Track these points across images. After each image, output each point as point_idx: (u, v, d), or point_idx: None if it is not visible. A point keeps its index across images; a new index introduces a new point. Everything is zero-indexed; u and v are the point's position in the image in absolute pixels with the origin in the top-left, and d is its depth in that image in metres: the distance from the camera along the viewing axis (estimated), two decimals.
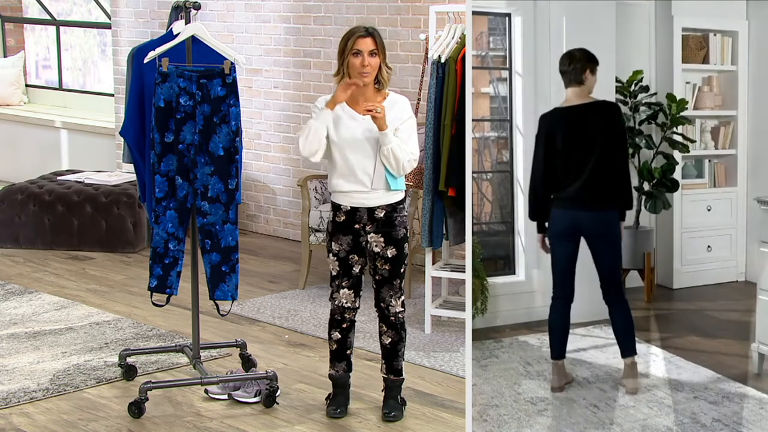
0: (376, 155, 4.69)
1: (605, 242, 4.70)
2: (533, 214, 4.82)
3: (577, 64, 4.64)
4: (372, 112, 4.59)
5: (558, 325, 4.75)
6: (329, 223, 4.85)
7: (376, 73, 4.68)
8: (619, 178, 4.69)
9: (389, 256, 4.76)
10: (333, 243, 4.81)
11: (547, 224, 4.80)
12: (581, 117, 4.66)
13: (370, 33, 4.66)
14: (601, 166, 4.65)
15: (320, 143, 4.65)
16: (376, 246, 4.76)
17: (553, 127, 4.70)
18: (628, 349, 4.69)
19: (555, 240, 4.76)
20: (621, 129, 4.70)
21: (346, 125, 4.68)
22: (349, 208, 4.76)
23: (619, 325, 4.70)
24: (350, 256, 4.80)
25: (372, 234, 4.75)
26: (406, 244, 4.80)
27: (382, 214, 4.74)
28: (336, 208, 4.80)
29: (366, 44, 4.63)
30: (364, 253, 4.80)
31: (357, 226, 4.76)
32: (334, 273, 4.84)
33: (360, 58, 4.63)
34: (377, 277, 4.80)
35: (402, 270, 4.81)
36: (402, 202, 4.80)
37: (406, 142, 4.70)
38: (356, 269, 4.82)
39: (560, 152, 4.66)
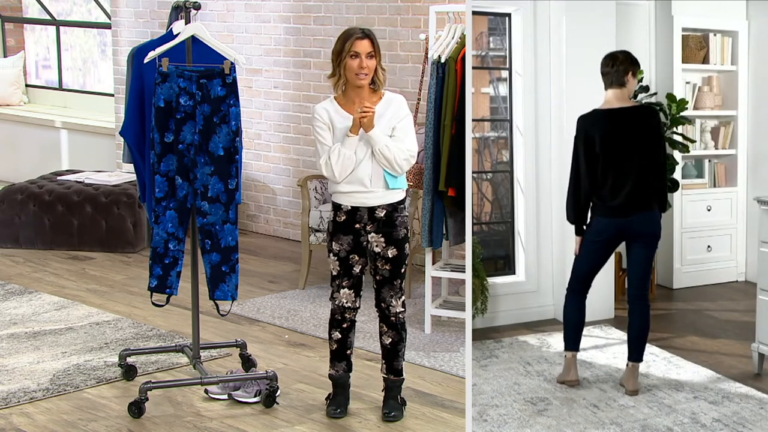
0: (375, 156, 4.68)
1: (648, 242, 4.68)
2: (574, 218, 4.76)
3: (620, 67, 4.61)
4: (367, 114, 4.59)
5: (576, 316, 4.73)
6: (330, 223, 4.85)
7: (373, 75, 4.68)
8: (658, 180, 4.65)
9: (390, 256, 4.76)
10: (333, 243, 4.81)
11: (584, 227, 4.76)
12: (622, 120, 4.62)
13: (367, 35, 4.66)
14: (645, 170, 4.62)
15: (353, 167, 4.66)
16: (376, 246, 4.76)
17: (592, 129, 4.64)
18: (636, 354, 4.68)
19: (593, 245, 4.72)
20: (661, 132, 4.67)
21: (344, 129, 4.67)
22: (349, 207, 4.75)
23: (634, 326, 4.69)
24: (351, 256, 4.79)
25: (372, 234, 4.75)
26: (406, 245, 4.80)
27: (382, 214, 4.74)
28: (336, 208, 4.80)
29: (364, 46, 4.63)
30: (365, 253, 4.80)
31: (357, 225, 4.76)
32: (334, 273, 4.84)
33: (358, 60, 4.62)
34: (378, 278, 4.80)
35: (403, 270, 4.80)
36: (403, 202, 4.79)
37: (403, 140, 4.69)
38: (357, 269, 4.81)
39: (599, 155, 4.62)
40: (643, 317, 4.68)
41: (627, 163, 4.60)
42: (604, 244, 4.72)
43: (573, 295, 4.75)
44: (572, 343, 4.74)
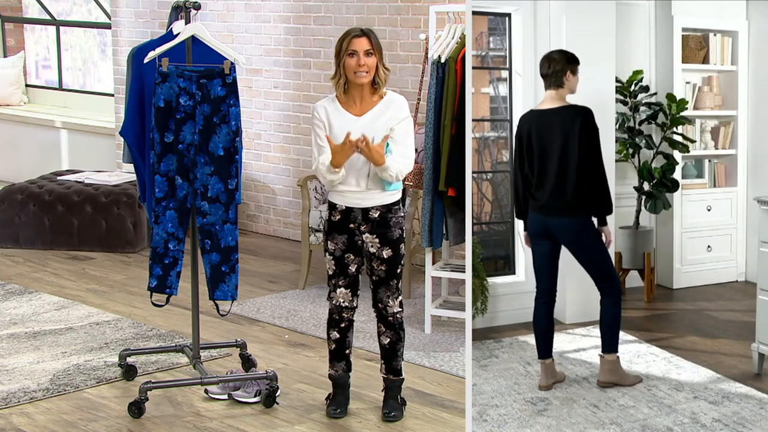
0: None
1: (577, 248, 4.68)
2: (517, 213, 4.84)
3: (557, 67, 4.59)
4: (360, 148, 4.59)
5: (541, 325, 4.75)
6: (326, 222, 4.85)
7: (374, 74, 4.66)
8: (590, 184, 4.60)
9: (385, 256, 4.75)
10: (329, 242, 4.81)
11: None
12: (549, 121, 4.63)
13: (366, 33, 4.65)
14: (567, 172, 4.59)
15: (339, 183, 4.69)
16: (371, 246, 4.75)
17: (523, 128, 4.71)
18: (605, 346, 4.70)
19: (532, 240, 4.77)
20: (590, 134, 4.58)
21: (341, 127, 4.66)
22: (344, 207, 4.75)
23: (603, 320, 4.71)
24: (346, 255, 4.79)
25: (367, 234, 4.75)
26: (402, 245, 4.79)
27: (376, 215, 4.73)
28: (332, 207, 4.80)
29: (361, 44, 4.62)
30: (361, 253, 4.79)
31: (352, 225, 4.75)
32: (330, 272, 4.83)
33: (356, 59, 4.62)
34: (374, 278, 4.80)
35: (399, 270, 4.79)
36: (398, 203, 4.78)
37: (403, 144, 4.68)
38: (352, 268, 4.81)
39: (526, 154, 4.67)
40: (607, 313, 4.68)
41: (549, 163, 4.62)
42: (540, 239, 4.73)
43: (537, 302, 4.76)
44: (542, 351, 4.73)
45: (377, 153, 4.58)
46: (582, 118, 4.56)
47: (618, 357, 4.69)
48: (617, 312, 4.68)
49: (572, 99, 4.63)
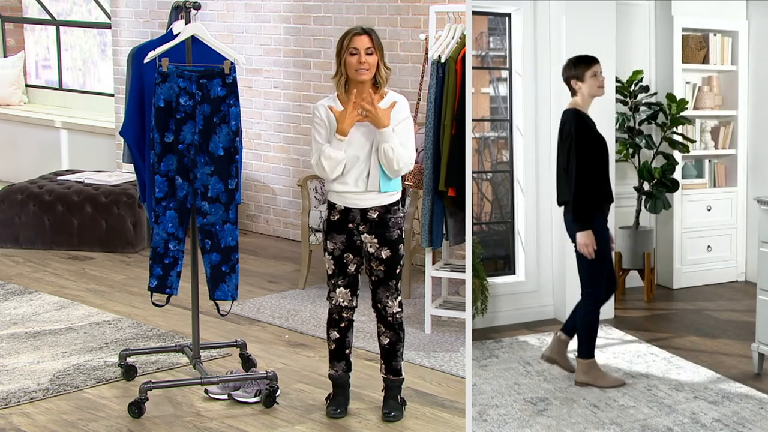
0: (371, 158, 4.67)
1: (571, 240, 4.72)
2: None
3: (565, 79, 4.67)
4: (365, 111, 4.58)
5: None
6: (325, 221, 4.86)
7: (375, 73, 4.66)
8: (566, 183, 4.64)
9: (384, 257, 4.75)
10: (328, 242, 4.81)
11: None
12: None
13: (367, 31, 4.65)
14: (558, 169, 4.66)
15: (342, 168, 4.66)
16: (370, 247, 4.75)
17: None
18: (578, 350, 4.70)
19: None
20: (563, 134, 4.62)
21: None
22: (342, 207, 4.75)
23: (577, 326, 4.72)
24: (345, 255, 4.79)
25: (366, 234, 4.75)
26: (401, 245, 4.78)
27: (375, 215, 4.72)
28: (331, 207, 4.80)
29: (362, 42, 4.62)
30: (360, 252, 4.79)
31: (350, 225, 4.75)
32: (330, 272, 4.83)
33: (357, 56, 4.62)
34: (373, 278, 4.80)
35: (398, 271, 4.79)
36: (396, 203, 4.78)
37: (403, 144, 4.68)
38: (351, 268, 4.81)
39: None
40: (581, 318, 4.68)
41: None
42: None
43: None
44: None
45: (383, 113, 4.58)
46: (561, 119, 4.62)
47: (593, 361, 4.68)
48: (590, 320, 4.66)
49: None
